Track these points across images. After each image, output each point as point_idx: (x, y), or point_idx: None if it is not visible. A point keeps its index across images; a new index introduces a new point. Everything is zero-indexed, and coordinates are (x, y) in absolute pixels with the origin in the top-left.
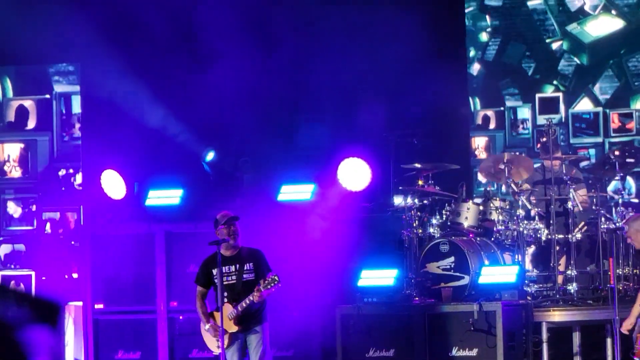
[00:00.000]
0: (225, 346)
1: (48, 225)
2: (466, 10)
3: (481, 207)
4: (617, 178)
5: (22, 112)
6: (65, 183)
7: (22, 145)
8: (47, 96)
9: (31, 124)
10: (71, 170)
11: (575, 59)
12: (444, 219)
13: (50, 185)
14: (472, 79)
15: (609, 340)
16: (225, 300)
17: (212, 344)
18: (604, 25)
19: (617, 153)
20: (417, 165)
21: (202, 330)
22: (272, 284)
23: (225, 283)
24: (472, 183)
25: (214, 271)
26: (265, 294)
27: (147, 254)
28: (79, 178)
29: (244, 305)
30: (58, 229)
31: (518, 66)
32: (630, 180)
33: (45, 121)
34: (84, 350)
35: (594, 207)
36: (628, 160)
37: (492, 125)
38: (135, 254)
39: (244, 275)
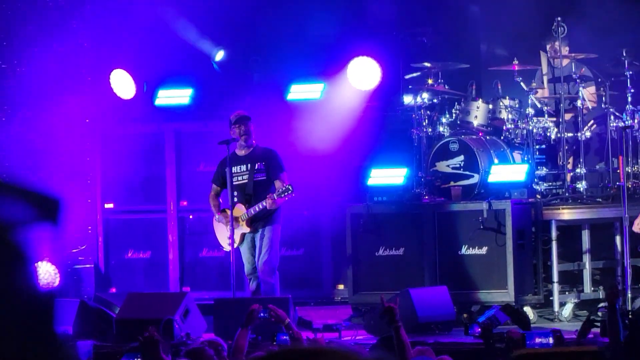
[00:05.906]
0: (236, 244)
1: None
2: None
3: (490, 106)
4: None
5: None
6: None
7: None
8: None
9: None
10: None
11: None
12: (453, 117)
13: None
14: None
15: (617, 238)
16: (236, 200)
17: (224, 239)
18: None
19: None
20: (427, 64)
21: (214, 225)
22: (286, 193)
23: (236, 183)
24: (481, 82)
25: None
26: (279, 202)
27: (156, 153)
28: None
29: (257, 209)
30: None
31: None
32: None
33: None
34: (95, 250)
35: (603, 106)
36: None
37: None
38: (145, 154)
39: (255, 175)
